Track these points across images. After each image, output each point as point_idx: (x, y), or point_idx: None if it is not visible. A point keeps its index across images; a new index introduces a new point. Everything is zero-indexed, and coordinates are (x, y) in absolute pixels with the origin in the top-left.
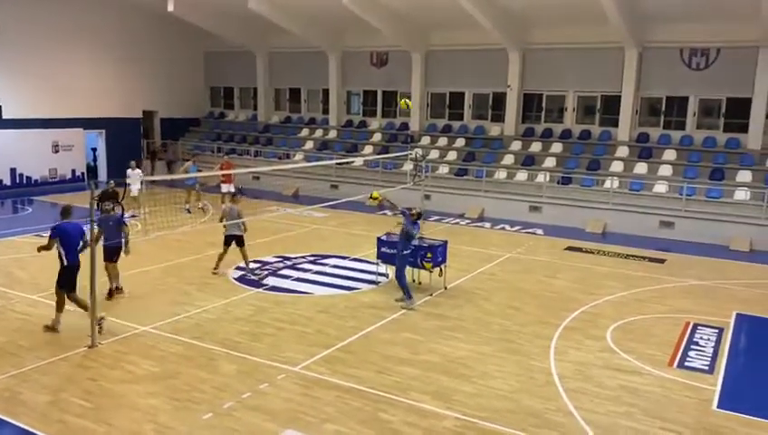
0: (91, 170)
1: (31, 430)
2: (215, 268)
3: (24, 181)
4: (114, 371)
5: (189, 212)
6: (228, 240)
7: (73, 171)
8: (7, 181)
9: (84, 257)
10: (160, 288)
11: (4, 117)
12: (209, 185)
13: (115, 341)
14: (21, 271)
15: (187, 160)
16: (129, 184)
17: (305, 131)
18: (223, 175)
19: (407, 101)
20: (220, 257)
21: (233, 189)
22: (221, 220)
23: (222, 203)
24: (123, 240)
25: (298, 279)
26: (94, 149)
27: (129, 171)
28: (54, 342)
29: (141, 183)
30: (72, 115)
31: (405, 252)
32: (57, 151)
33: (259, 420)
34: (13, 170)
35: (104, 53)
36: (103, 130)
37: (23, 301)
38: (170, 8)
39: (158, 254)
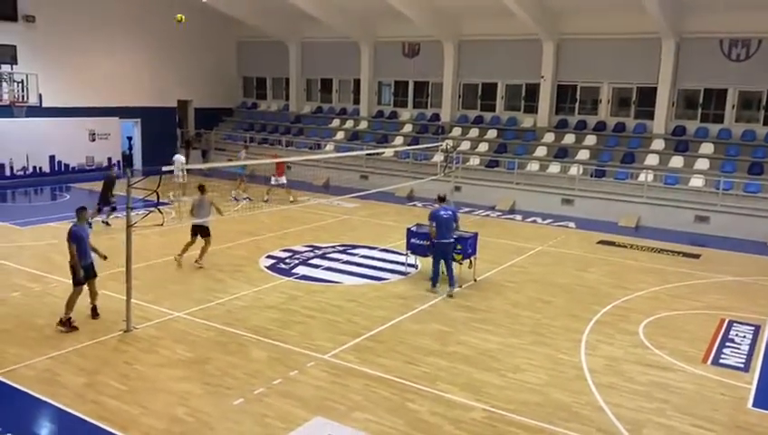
0: (127, 159)
1: (68, 410)
2: (179, 254)
3: (62, 169)
4: (148, 355)
5: (250, 200)
6: (195, 230)
7: (109, 159)
8: (46, 168)
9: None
10: (193, 275)
11: (44, 106)
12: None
13: (149, 326)
14: (60, 256)
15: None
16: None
17: (336, 122)
18: (276, 167)
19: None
20: (185, 248)
21: (284, 181)
22: (191, 211)
23: (266, 194)
24: (94, 255)
25: (328, 268)
26: (130, 138)
27: (177, 156)
28: (91, 326)
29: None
30: (108, 104)
31: (440, 241)
32: (94, 140)
33: (289, 406)
34: (51, 158)
35: (140, 44)
36: (139, 119)
37: (61, 285)
38: None
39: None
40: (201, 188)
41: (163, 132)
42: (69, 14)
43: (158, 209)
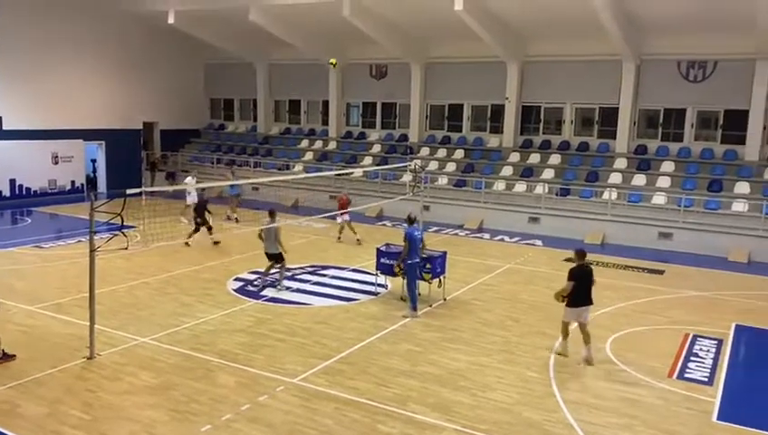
0: (91, 182)
1: None
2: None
3: (24, 192)
4: (113, 382)
5: (237, 221)
6: (269, 258)
7: (73, 182)
8: (7, 192)
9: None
10: (160, 299)
11: (4, 128)
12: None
13: (114, 352)
14: (20, 282)
15: (186, 173)
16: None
17: (305, 142)
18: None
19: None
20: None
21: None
22: (259, 237)
23: (339, 233)
24: None
25: (297, 290)
26: (94, 161)
27: (189, 179)
28: (53, 353)
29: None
30: (72, 126)
31: (413, 260)
32: (57, 163)
33: (258, 432)
34: (12, 181)
35: (105, 65)
36: (103, 142)
37: (21, 312)
38: (171, 20)
39: (158, 265)
40: (271, 213)
41: (128, 155)
42: (31, 35)
43: (123, 233)
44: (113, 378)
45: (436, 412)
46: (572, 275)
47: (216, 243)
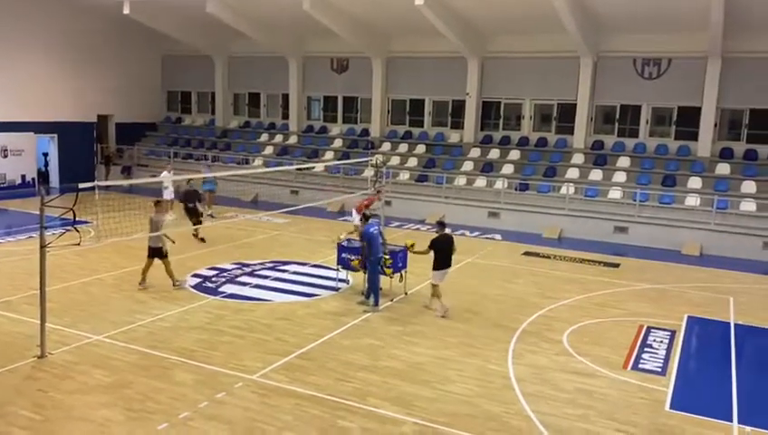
0: (42, 176)
1: None
2: (140, 282)
3: None
4: (65, 381)
5: (213, 217)
6: (149, 252)
7: (23, 177)
8: None
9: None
10: (114, 296)
11: None
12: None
13: (66, 350)
14: None
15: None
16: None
17: (265, 136)
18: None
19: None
20: (144, 270)
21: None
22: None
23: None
24: None
25: (257, 286)
26: (45, 154)
27: (165, 173)
28: (2, 352)
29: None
30: (22, 118)
31: (375, 256)
32: (6, 156)
33: (216, 429)
34: None
35: (58, 56)
36: (55, 135)
37: None
38: (126, 11)
39: (112, 261)
40: (157, 204)
41: (82, 148)
42: None
43: (75, 228)
44: (65, 377)
45: (397, 406)
46: (432, 244)
47: (196, 236)
